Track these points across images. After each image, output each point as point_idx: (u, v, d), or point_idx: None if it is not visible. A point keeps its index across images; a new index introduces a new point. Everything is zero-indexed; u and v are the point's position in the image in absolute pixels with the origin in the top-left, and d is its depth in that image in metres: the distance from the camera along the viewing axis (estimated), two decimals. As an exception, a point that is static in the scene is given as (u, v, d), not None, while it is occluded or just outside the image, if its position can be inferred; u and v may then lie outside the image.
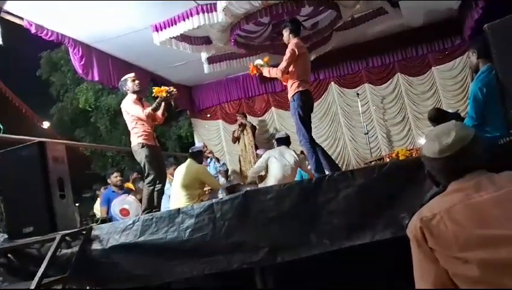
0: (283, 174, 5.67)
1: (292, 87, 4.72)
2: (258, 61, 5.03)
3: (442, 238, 1.42)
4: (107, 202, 6.22)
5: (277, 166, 5.73)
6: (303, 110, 4.69)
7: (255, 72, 5.00)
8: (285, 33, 4.90)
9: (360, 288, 3.60)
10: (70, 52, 6.52)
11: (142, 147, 4.75)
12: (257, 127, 9.35)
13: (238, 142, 9.06)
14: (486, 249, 1.34)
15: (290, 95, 4.78)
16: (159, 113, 4.94)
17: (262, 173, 6.17)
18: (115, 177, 6.58)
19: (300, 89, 4.67)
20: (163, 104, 4.88)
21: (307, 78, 4.88)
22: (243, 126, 8.95)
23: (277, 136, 6.46)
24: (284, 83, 4.97)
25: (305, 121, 4.70)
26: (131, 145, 4.89)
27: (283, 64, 4.65)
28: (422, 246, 1.46)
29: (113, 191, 6.47)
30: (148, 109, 4.76)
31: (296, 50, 4.63)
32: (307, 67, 4.88)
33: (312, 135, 4.82)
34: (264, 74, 4.97)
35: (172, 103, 5.11)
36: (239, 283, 3.92)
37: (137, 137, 4.79)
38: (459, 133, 1.54)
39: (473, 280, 1.36)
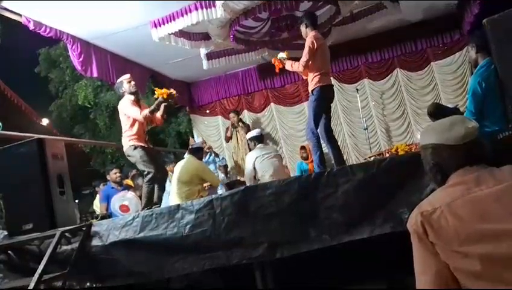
0: (274, 169, 5.70)
1: (313, 82, 4.72)
2: (281, 55, 5.04)
3: (443, 232, 1.42)
4: (107, 199, 6.26)
5: (266, 163, 5.76)
6: (319, 106, 4.71)
7: (279, 66, 5.01)
8: (302, 28, 4.91)
9: (359, 283, 3.61)
10: (69, 49, 6.49)
11: (135, 148, 4.75)
12: (250, 126, 9.32)
13: (231, 140, 9.06)
14: (487, 244, 1.34)
15: (310, 89, 4.78)
16: (159, 115, 4.93)
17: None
18: (114, 174, 6.63)
19: (321, 84, 4.69)
20: (162, 106, 4.88)
21: (327, 70, 4.90)
22: (234, 126, 8.94)
23: (251, 135, 6.41)
24: (304, 77, 4.99)
25: (318, 117, 4.71)
26: (124, 149, 4.88)
27: (304, 58, 4.67)
28: (423, 240, 1.46)
29: (113, 188, 6.52)
30: (146, 111, 4.73)
31: (314, 42, 4.64)
32: (326, 59, 4.89)
33: (331, 127, 4.91)
34: (286, 68, 4.99)
35: (172, 102, 5.08)
36: (239, 283, 3.93)
37: (128, 140, 4.80)
38: (474, 121, 1.56)
39: (474, 274, 1.36)
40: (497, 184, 1.42)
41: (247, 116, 9.79)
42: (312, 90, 4.72)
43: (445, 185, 1.54)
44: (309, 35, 4.76)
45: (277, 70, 5.10)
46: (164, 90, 4.83)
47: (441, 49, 8.86)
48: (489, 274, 1.33)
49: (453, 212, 1.42)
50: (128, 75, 5.04)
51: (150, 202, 4.73)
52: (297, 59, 4.79)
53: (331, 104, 5.04)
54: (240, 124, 8.99)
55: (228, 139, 9.12)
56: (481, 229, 1.37)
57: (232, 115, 9.11)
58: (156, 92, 4.89)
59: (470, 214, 1.40)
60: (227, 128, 9.23)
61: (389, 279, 3.55)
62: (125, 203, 5.29)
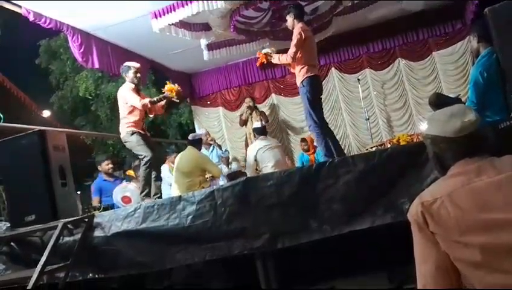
0: (275, 160, 5.71)
1: (301, 73, 4.72)
2: (266, 50, 5.03)
3: (443, 222, 1.42)
4: (99, 192, 6.12)
5: (267, 154, 5.77)
6: (312, 96, 4.70)
7: (263, 60, 4.99)
8: (289, 18, 4.89)
9: (360, 273, 3.62)
10: (69, 40, 6.47)
11: (132, 134, 4.83)
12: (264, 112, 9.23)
13: (246, 125, 8.95)
14: (487, 233, 1.35)
15: (299, 81, 4.78)
16: (160, 104, 4.99)
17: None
18: (106, 165, 6.38)
19: (309, 74, 4.69)
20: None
21: (315, 63, 4.90)
22: (251, 109, 8.84)
23: (254, 126, 6.56)
24: (292, 70, 4.97)
25: (314, 106, 4.70)
26: (121, 136, 4.96)
27: (292, 49, 4.66)
28: (424, 230, 1.47)
29: (105, 180, 6.32)
30: (146, 101, 4.83)
31: (302, 33, 4.62)
32: (314, 52, 4.88)
33: (324, 118, 4.88)
34: (273, 62, 4.99)
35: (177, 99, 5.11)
36: (241, 272, 3.94)
37: (126, 127, 4.88)
38: (475, 112, 1.55)
39: (474, 264, 1.36)
40: (498, 174, 1.42)
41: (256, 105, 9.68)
42: (302, 82, 4.71)
43: (446, 176, 1.54)
44: (296, 27, 4.74)
45: (258, 65, 5.09)
46: (173, 87, 4.92)
47: (443, 39, 8.81)
48: (489, 264, 1.34)
49: (454, 202, 1.42)
50: (138, 65, 5.08)
51: (148, 184, 4.81)
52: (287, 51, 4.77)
53: (321, 96, 5.02)
54: (256, 109, 8.89)
55: (244, 122, 8.95)
56: (481, 219, 1.37)
57: (248, 99, 9.00)
58: (166, 85, 4.96)
59: (471, 204, 1.40)
60: (241, 113, 9.08)
61: (390, 268, 3.56)
62: (127, 195, 5.30)
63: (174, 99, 4.99)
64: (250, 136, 8.67)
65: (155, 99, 4.90)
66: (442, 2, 8.08)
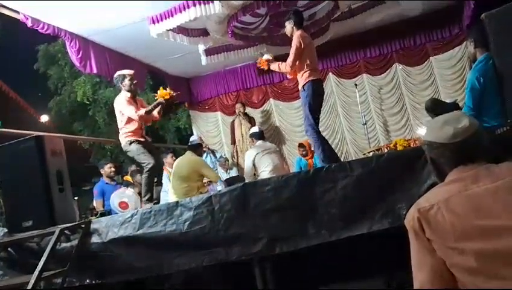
0: (273, 165, 5.70)
1: (303, 77, 4.70)
2: (266, 56, 5.04)
3: (439, 228, 1.42)
4: (102, 195, 6.20)
5: (266, 159, 5.77)
6: (313, 100, 4.68)
7: (264, 66, 5.00)
8: (288, 25, 4.86)
9: (359, 279, 3.62)
10: (67, 46, 6.47)
11: (131, 143, 4.81)
12: (254, 118, 9.22)
13: (235, 132, 8.90)
14: (483, 240, 1.35)
15: (300, 85, 4.75)
16: (155, 112, 4.97)
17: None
18: (109, 168, 6.55)
19: (311, 78, 4.67)
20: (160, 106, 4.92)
21: (316, 66, 4.89)
22: (241, 115, 8.80)
23: (252, 131, 6.53)
24: (290, 77, 4.96)
25: (314, 111, 4.69)
26: (122, 146, 4.94)
27: (290, 58, 4.64)
28: (420, 236, 1.47)
29: (107, 183, 6.44)
30: (142, 111, 4.78)
31: (301, 43, 4.61)
32: (314, 57, 4.87)
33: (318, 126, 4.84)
34: (273, 68, 4.99)
35: (174, 102, 5.07)
36: (239, 276, 3.94)
37: (125, 137, 4.86)
38: (471, 119, 1.54)
39: (470, 271, 1.36)
40: (495, 181, 1.42)
41: (246, 111, 9.72)
42: (303, 86, 4.70)
43: (443, 183, 1.54)
44: (296, 35, 4.71)
45: (259, 65, 5.09)
46: (166, 92, 4.87)
47: (440, 44, 8.82)
48: (485, 270, 1.34)
49: (450, 209, 1.42)
50: (132, 71, 5.04)
51: (150, 190, 4.79)
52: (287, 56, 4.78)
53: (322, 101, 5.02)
54: (244, 116, 8.82)
55: (234, 140, 8.92)
56: (478, 226, 1.37)
57: (238, 105, 8.97)
58: (158, 91, 4.91)
59: (467, 210, 1.40)
60: (232, 124, 9.03)
61: (388, 274, 3.56)
62: (125, 200, 5.28)
63: (168, 103, 4.95)
64: (239, 143, 8.69)
65: (150, 107, 4.85)
66: (440, 6, 8.11)
